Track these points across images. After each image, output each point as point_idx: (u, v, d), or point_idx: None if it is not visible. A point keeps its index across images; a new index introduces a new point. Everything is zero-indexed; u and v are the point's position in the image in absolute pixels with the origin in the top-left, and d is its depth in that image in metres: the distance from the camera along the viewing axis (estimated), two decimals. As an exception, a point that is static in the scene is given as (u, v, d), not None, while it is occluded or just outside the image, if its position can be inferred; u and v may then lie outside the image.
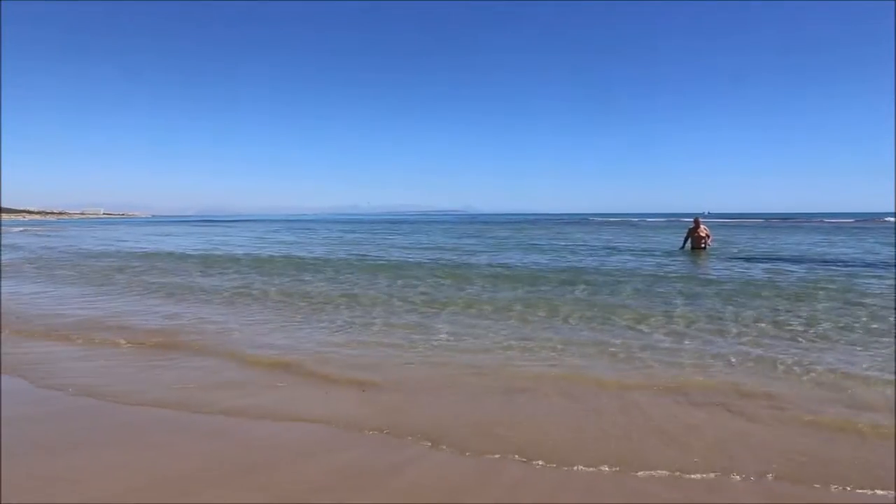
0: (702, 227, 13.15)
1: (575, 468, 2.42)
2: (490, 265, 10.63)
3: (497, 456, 2.53)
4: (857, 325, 5.07)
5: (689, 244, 13.28)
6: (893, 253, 13.04)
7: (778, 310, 5.83)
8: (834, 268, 9.73)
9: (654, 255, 12.65)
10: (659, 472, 2.37)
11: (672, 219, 52.61)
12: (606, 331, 5.01)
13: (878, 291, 6.91)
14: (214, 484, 2.27)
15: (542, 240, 19.93)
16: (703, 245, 13.01)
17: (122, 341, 4.69)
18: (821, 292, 6.83)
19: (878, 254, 12.90)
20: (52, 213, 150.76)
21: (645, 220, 55.62)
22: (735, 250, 13.93)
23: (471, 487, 2.26)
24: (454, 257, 12.50)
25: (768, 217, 66.16)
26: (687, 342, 4.55)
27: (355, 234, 26.42)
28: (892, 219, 43.16)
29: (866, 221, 43.56)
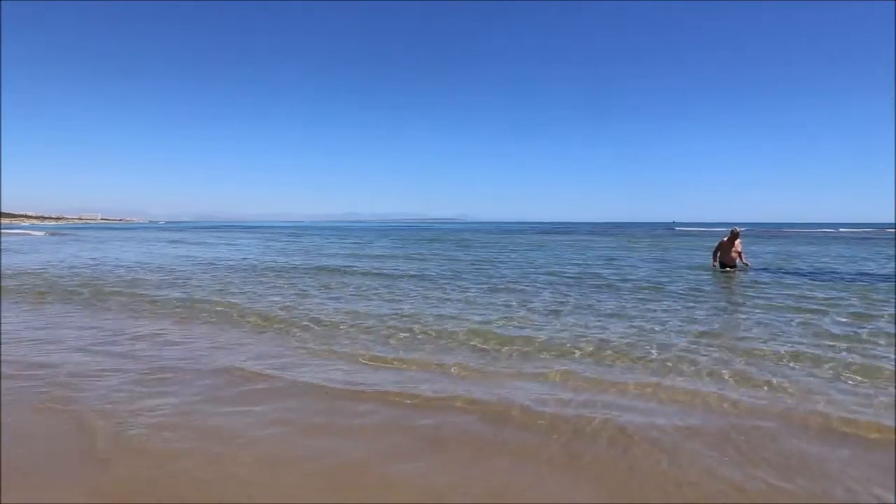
0: (738, 241, 10.62)
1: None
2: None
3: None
4: None
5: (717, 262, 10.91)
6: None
7: None
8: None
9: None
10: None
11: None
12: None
13: None
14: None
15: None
16: (734, 265, 10.67)
17: None
18: None
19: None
20: (50, 217, 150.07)
21: (629, 229, 56.15)
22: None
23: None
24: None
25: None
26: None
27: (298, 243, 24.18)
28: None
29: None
